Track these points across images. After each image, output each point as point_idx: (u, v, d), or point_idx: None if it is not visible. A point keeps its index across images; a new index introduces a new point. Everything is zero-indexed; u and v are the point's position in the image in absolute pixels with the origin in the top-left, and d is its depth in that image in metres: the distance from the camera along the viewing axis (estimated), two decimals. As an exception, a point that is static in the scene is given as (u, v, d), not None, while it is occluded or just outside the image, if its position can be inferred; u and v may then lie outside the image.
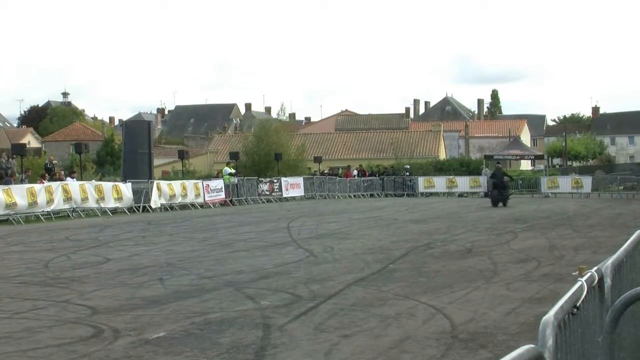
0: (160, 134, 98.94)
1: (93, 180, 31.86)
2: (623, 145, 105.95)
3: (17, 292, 10.29)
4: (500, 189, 33.50)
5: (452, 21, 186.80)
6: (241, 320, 8.05)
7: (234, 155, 42.94)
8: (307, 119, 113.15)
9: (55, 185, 26.36)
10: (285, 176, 42.55)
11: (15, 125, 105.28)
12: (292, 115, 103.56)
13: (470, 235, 18.05)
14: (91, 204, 27.52)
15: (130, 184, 30.16)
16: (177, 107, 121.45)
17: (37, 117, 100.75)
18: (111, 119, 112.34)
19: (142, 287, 10.42)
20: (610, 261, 4.40)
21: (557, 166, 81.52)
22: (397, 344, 6.99)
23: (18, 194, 24.02)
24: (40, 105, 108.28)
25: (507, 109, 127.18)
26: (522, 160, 59.69)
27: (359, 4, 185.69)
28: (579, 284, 3.52)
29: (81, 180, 31.11)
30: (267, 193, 38.84)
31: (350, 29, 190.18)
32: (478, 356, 6.57)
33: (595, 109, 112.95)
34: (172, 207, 31.25)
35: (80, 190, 27.02)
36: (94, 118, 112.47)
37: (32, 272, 12.31)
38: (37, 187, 25.32)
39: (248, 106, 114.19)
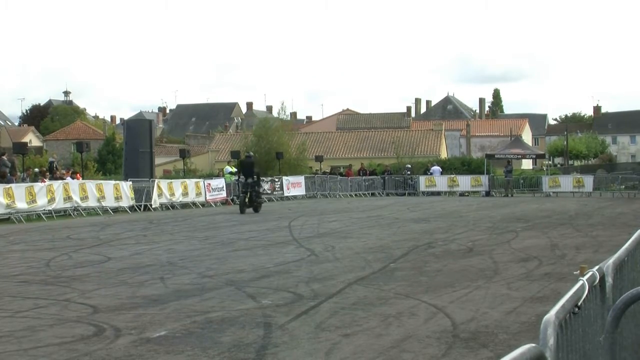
0: (161, 133, 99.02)
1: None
2: (624, 144, 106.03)
3: (18, 290, 10.28)
4: (250, 189, 25.30)
5: (454, 20, 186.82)
6: (242, 319, 8.05)
7: (235, 154, 42.93)
8: (309, 118, 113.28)
9: (56, 184, 26.37)
10: (287, 175, 42.56)
11: (16, 124, 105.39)
12: (294, 115, 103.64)
13: (471, 234, 18.03)
14: (92, 202, 27.53)
15: (131, 182, 30.17)
16: (179, 106, 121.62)
17: (38, 116, 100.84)
18: (112, 118, 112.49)
19: (143, 286, 10.42)
20: (611, 260, 4.40)
21: (558, 165, 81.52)
22: (398, 343, 6.98)
23: (18, 193, 24.03)
24: (41, 104, 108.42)
25: (508, 108, 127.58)
26: (523, 160, 59.67)
27: (360, 4, 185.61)
28: (580, 283, 3.52)
29: (82, 179, 31.12)
30: (269, 192, 38.84)
31: (351, 28, 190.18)
32: (479, 355, 6.57)
33: (597, 108, 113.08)
34: (173, 206, 31.25)
35: (80, 190, 27.02)
36: (96, 117, 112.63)
37: (33, 270, 12.31)
38: (37, 186, 25.34)
39: (249, 105, 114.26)
